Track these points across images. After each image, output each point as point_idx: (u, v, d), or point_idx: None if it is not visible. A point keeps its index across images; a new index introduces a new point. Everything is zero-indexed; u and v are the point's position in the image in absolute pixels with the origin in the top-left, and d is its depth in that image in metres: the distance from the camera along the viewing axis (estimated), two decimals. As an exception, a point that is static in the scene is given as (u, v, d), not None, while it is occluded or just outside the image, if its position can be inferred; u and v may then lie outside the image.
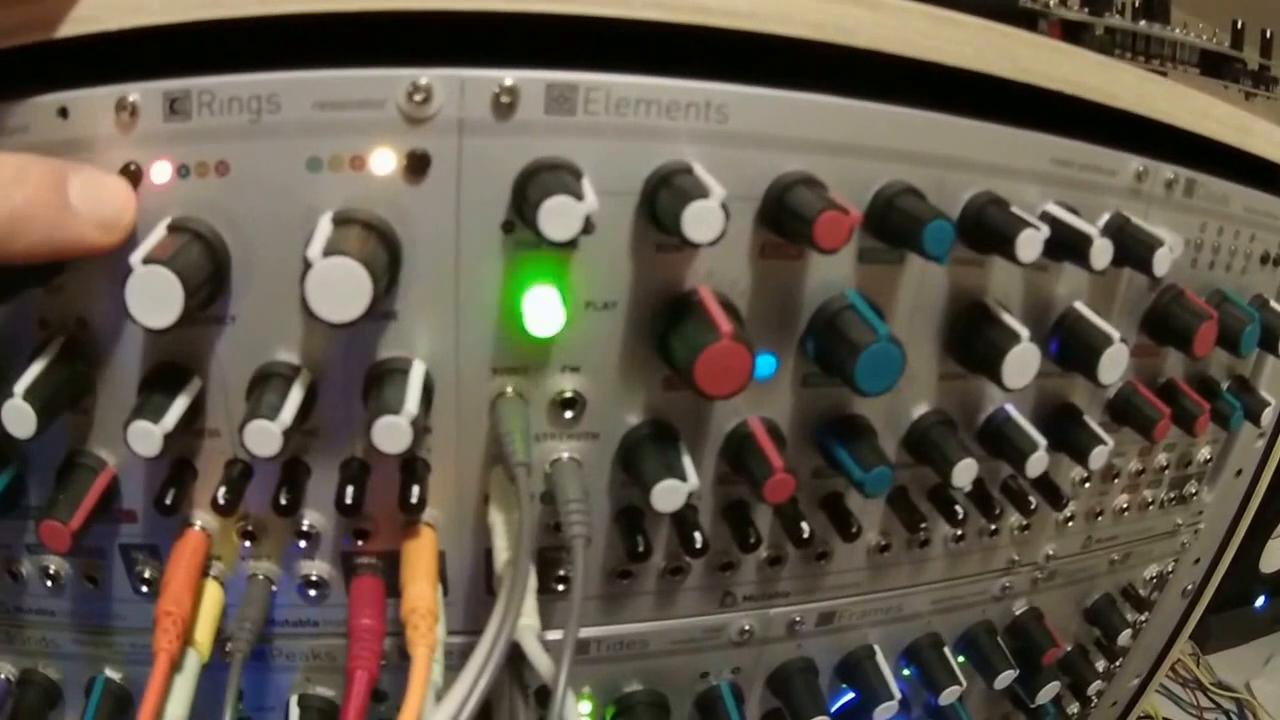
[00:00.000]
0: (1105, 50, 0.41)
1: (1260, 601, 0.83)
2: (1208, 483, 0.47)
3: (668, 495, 0.29)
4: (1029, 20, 0.40)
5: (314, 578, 0.32)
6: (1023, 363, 0.32)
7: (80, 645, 0.34)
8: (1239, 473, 0.47)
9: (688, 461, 0.30)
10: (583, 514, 0.29)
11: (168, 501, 0.29)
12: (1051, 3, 0.41)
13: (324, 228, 0.26)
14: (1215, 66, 0.44)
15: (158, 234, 0.26)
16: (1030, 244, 0.30)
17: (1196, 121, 0.37)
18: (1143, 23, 0.43)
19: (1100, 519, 0.43)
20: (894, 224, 0.30)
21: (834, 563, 0.37)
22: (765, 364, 0.32)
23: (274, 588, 0.33)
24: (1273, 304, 0.42)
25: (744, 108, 0.29)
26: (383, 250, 0.27)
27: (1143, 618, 0.48)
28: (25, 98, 0.26)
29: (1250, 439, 0.47)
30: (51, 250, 0.24)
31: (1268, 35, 0.46)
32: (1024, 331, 0.32)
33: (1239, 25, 0.44)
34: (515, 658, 0.29)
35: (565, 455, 0.31)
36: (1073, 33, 0.40)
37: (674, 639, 0.37)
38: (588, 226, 0.26)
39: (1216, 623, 0.80)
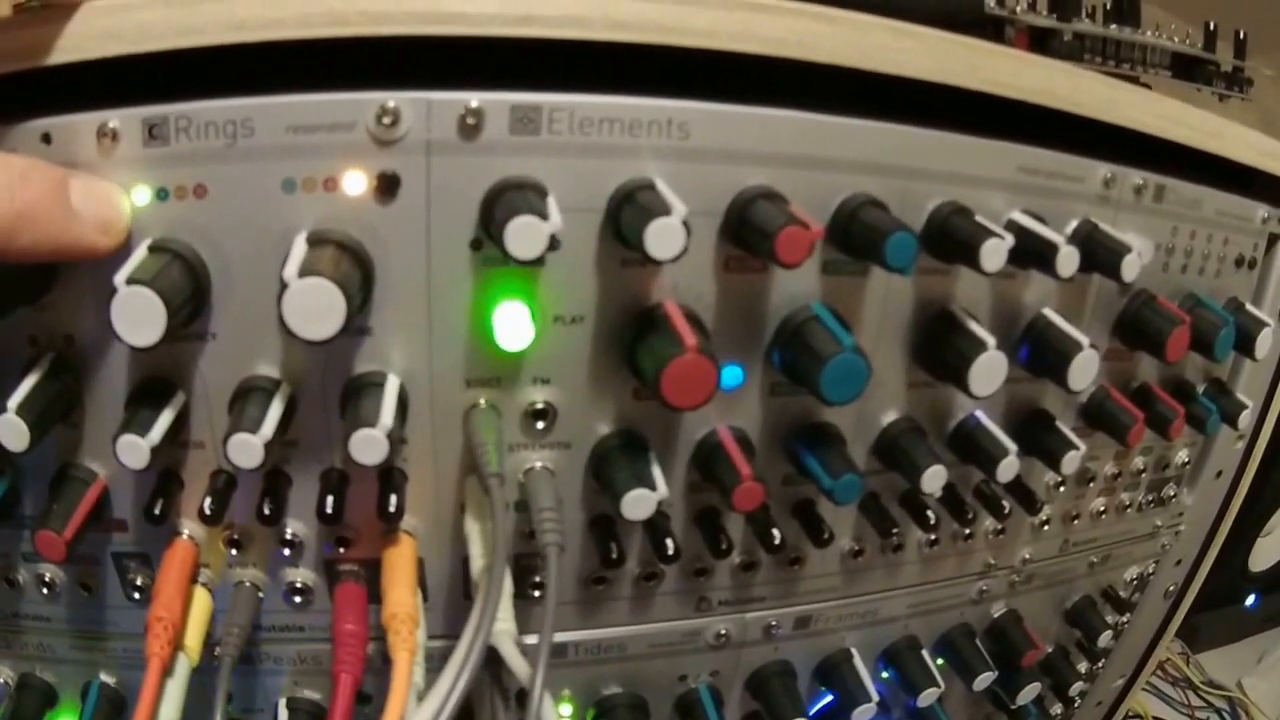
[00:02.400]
0: (1074, 56, 0.41)
1: (1250, 600, 0.83)
2: (1187, 485, 0.47)
3: (637, 504, 0.30)
4: (995, 26, 0.41)
5: (298, 584, 0.33)
6: (989, 370, 0.32)
7: (76, 650, 0.35)
8: (1219, 474, 0.47)
9: (657, 471, 0.31)
10: (555, 522, 0.30)
11: (156, 512, 0.30)
12: (1018, 9, 0.42)
13: (299, 248, 0.27)
14: (1188, 69, 0.44)
15: (139, 254, 0.27)
16: (994, 253, 0.31)
17: (1166, 127, 0.37)
18: (1113, 27, 0.43)
19: (1077, 522, 0.43)
20: (857, 237, 0.30)
21: (808, 568, 0.38)
22: (732, 375, 0.32)
23: (260, 594, 0.33)
24: (1248, 307, 0.42)
25: (705, 124, 0.29)
26: (356, 269, 0.28)
27: (1124, 619, 0.48)
28: (9, 124, 0.27)
29: (1229, 441, 0.47)
30: (53, 249, 0.25)
31: (1241, 36, 0.46)
32: (990, 339, 0.32)
33: (1211, 27, 0.45)
34: (494, 661, 0.30)
35: (538, 464, 0.32)
36: (1040, 39, 0.41)
37: (652, 643, 0.37)
38: (553, 244, 0.26)
39: (1206, 622, 0.80)
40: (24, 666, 0.35)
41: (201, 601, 0.32)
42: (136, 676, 0.35)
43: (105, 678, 0.35)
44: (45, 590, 0.33)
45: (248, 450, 0.28)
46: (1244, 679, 0.77)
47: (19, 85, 0.26)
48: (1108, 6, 0.44)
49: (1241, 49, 0.45)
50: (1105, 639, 0.45)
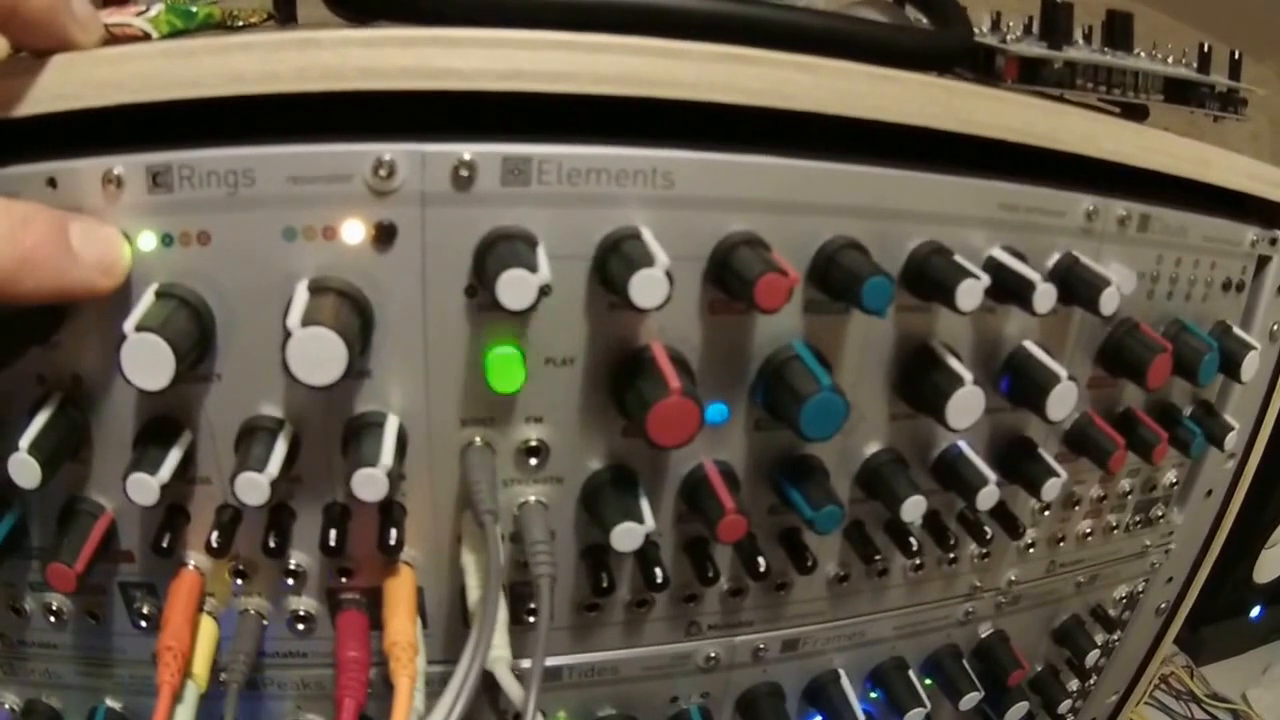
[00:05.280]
0: (1065, 83, 0.44)
1: (1255, 612, 0.86)
2: (1176, 504, 0.50)
3: (626, 536, 0.33)
4: (986, 56, 0.44)
5: (302, 613, 0.36)
6: (967, 405, 0.35)
7: (82, 676, 0.38)
8: (1209, 494, 0.50)
9: (645, 505, 0.34)
10: (548, 554, 0.33)
11: (164, 545, 0.33)
12: (1009, 38, 0.45)
13: (301, 296, 0.30)
14: (1182, 92, 0.47)
15: (146, 300, 0.29)
16: (970, 294, 0.33)
17: (1148, 157, 0.40)
18: (1105, 52, 0.46)
19: (1063, 544, 0.47)
20: (835, 280, 0.33)
21: (794, 593, 0.41)
22: (717, 412, 0.35)
23: (264, 622, 0.36)
24: (1235, 330, 0.45)
25: (690, 172, 0.32)
26: (355, 316, 0.31)
27: (1114, 637, 0.51)
28: (14, 168, 0.29)
29: (1219, 460, 0.50)
30: (56, 291, 0.27)
31: (1236, 56, 0.48)
32: (967, 375, 0.35)
33: (1205, 48, 0.47)
34: (491, 686, 0.34)
35: (532, 499, 0.35)
36: (1031, 67, 0.43)
37: (643, 666, 0.41)
38: (544, 292, 0.29)
39: (1211, 634, 0.83)
40: (30, 693, 0.38)
41: (208, 629, 0.35)
42: (142, 702, 0.38)
43: (111, 703, 0.38)
44: (52, 619, 0.36)
45: (255, 488, 0.31)
46: (1249, 691, 0.80)
47: (24, 130, 0.29)
48: (1100, 32, 0.47)
49: (1236, 69, 0.48)
50: (1094, 658, 0.48)
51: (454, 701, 0.30)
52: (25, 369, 0.32)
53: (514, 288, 0.29)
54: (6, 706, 0.39)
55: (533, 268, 0.29)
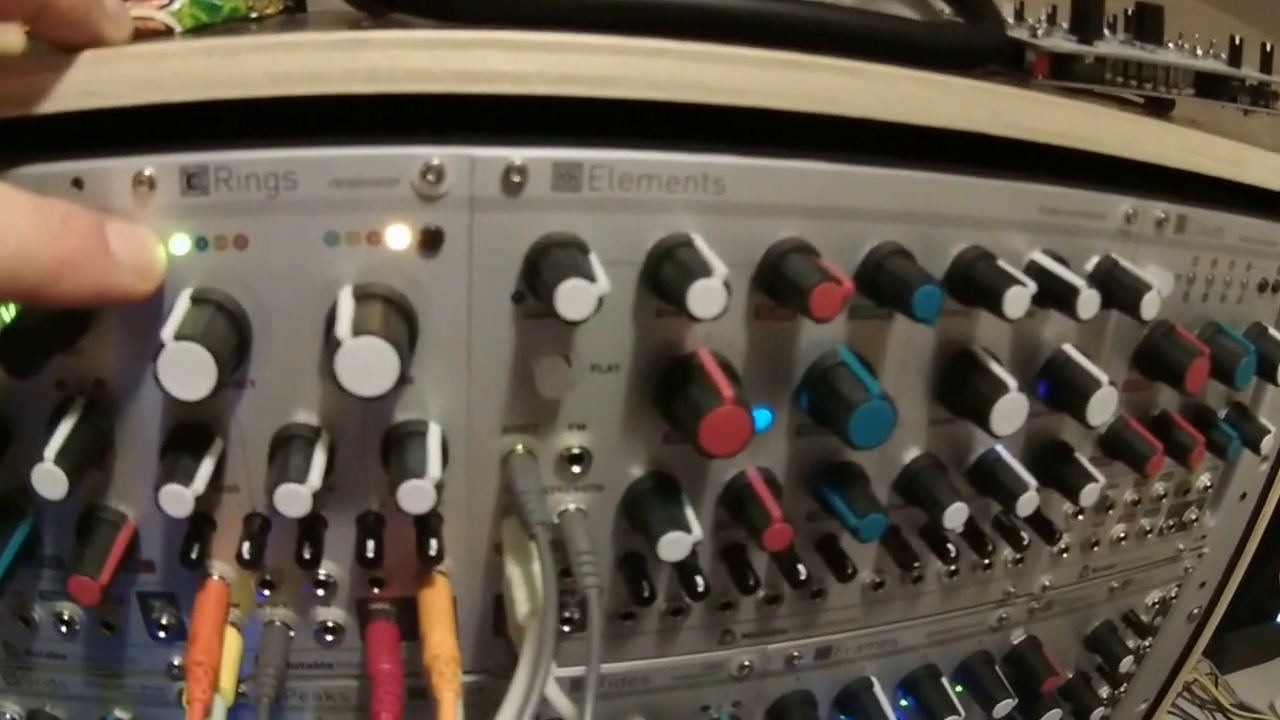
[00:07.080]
0: (1096, 78, 0.47)
1: (1281, 618, 0.91)
2: (1210, 508, 0.55)
3: (673, 546, 0.36)
4: (1016, 51, 0.47)
5: (330, 624, 0.39)
6: (1011, 411, 0.39)
7: (90, 687, 0.40)
8: (1243, 497, 0.55)
9: (690, 513, 0.37)
10: (593, 565, 0.35)
11: (193, 556, 0.36)
12: (1039, 33, 0.48)
13: (347, 303, 0.32)
14: (1213, 86, 0.51)
15: (182, 306, 0.32)
16: (1017, 300, 0.37)
17: (1187, 159, 0.44)
18: (1136, 46, 0.49)
19: (1096, 549, 0.51)
20: (884, 287, 0.37)
21: (830, 600, 0.45)
22: (761, 418, 0.39)
23: (291, 633, 0.39)
24: (1271, 331, 0.49)
25: (740, 178, 0.35)
26: (403, 324, 0.33)
27: (1146, 643, 0.56)
28: (37, 165, 0.30)
29: (1253, 463, 0.54)
30: (94, 294, 0.29)
31: (1268, 49, 0.52)
32: (1012, 382, 0.39)
33: (1237, 41, 0.51)
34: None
35: (572, 507, 0.38)
36: (1061, 63, 0.47)
37: (675, 675, 0.44)
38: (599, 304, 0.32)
39: (1236, 641, 0.87)
40: (33, 703, 0.40)
41: (232, 641, 0.38)
42: (152, 713, 0.41)
43: (120, 714, 0.41)
44: (64, 629, 0.38)
45: (296, 500, 0.33)
46: (1276, 700, 0.85)
47: (48, 128, 0.31)
48: (1129, 26, 0.50)
49: (1268, 62, 0.52)
50: (1127, 664, 0.52)
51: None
52: (44, 374, 0.33)
53: (574, 297, 0.31)
54: (9, 716, 0.41)
55: (591, 277, 0.31)
